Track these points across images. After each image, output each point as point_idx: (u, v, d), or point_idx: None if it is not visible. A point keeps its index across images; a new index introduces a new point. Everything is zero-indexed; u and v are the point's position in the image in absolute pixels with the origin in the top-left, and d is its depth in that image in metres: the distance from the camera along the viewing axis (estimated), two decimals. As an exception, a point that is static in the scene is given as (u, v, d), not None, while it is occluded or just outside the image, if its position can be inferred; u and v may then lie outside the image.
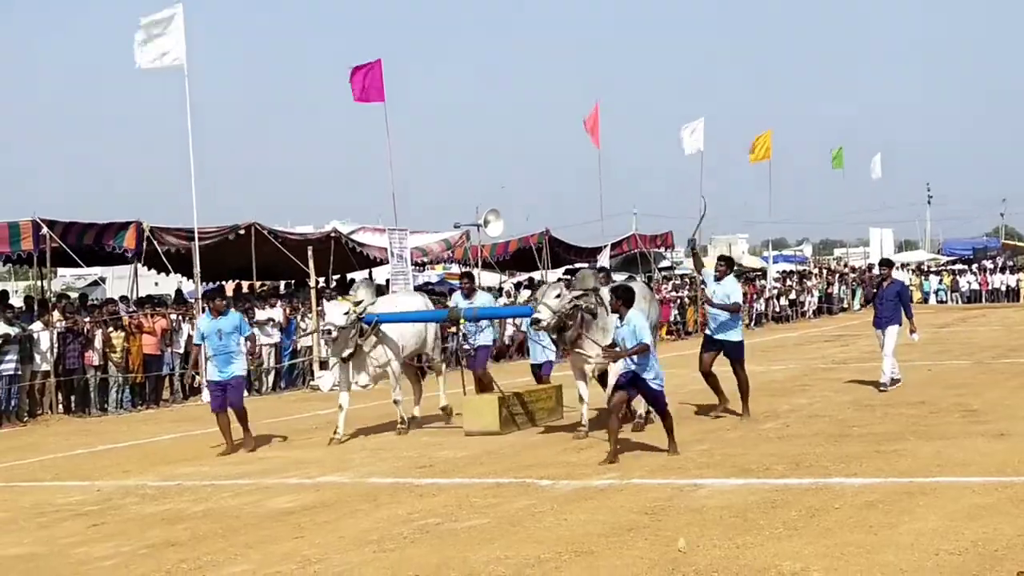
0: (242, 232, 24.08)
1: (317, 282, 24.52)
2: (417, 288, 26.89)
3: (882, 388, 16.61)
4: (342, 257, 27.09)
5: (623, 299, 11.89)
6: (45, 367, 19.96)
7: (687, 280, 39.26)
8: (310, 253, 24.24)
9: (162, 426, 17.99)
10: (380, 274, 30.61)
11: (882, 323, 16.95)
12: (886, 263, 18.32)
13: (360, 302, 14.87)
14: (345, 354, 14.60)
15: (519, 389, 15.41)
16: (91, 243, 22.33)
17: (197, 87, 23.83)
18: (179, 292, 29.55)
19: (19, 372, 19.19)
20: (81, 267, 26.62)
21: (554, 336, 13.89)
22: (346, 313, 14.37)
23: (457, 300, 16.27)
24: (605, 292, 13.79)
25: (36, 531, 9.81)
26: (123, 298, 24.17)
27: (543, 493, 10.11)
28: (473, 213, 30.56)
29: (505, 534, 8.55)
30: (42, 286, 23.90)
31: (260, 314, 23.14)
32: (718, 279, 14.71)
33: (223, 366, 14.12)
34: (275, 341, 23.68)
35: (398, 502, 10.01)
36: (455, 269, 38.13)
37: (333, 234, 27.30)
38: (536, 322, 13.40)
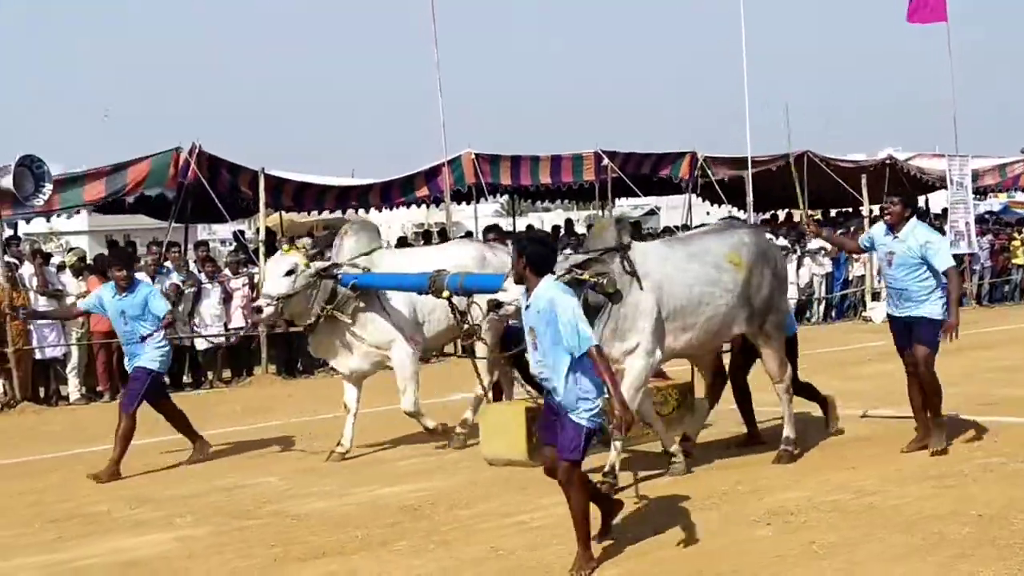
0: (793, 160, 23.88)
1: (871, 210, 23.83)
2: (979, 219, 25.29)
3: None
4: (895, 184, 26.10)
5: (531, 261, 6.49)
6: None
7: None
8: (863, 181, 23.62)
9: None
10: (937, 201, 29.22)
11: None
12: None
13: (318, 254, 10.95)
14: (304, 325, 10.49)
15: None
16: (647, 173, 23.22)
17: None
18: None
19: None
20: (638, 196, 27.79)
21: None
22: (289, 273, 10.10)
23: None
24: (644, 253, 8.73)
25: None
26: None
27: None
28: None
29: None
30: (603, 215, 25.06)
31: (812, 244, 22.83)
32: (891, 227, 9.31)
33: (130, 356, 10.41)
34: (827, 271, 23.34)
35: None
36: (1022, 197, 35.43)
37: (888, 160, 26.45)
38: (496, 306, 8.45)
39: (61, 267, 16.61)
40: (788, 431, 9.33)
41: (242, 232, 22.08)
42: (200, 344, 16.72)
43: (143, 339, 10.17)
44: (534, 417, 8.78)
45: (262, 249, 17.03)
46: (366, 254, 10.36)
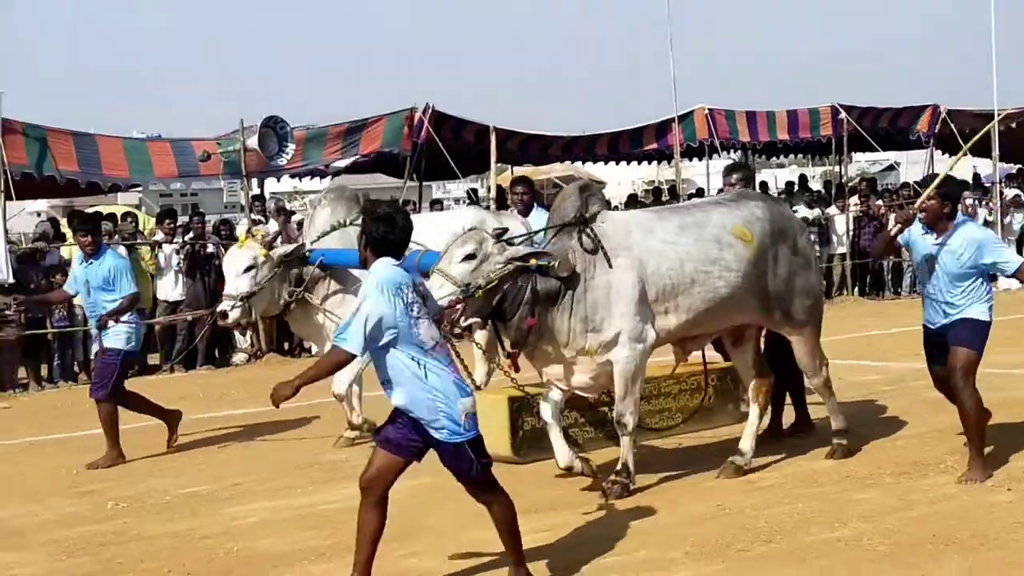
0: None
1: None
2: None
3: None
4: None
5: (369, 241, 5.56)
6: (841, 250, 20.54)
7: None
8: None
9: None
10: None
11: None
12: None
13: (276, 237, 9.80)
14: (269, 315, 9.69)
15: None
16: (886, 127, 22.40)
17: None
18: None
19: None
20: (877, 151, 26.81)
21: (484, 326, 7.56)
22: (249, 269, 9.10)
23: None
24: (613, 224, 7.51)
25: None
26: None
27: None
28: None
29: None
30: (839, 171, 24.38)
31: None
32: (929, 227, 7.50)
33: (95, 332, 9.62)
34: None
35: None
36: None
37: None
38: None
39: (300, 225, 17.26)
40: (837, 423, 8.20)
41: (475, 190, 22.46)
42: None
43: (102, 323, 9.25)
44: (520, 408, 8.22)
45: (492, 206, 17.27)
46: (343, 225, 9.22)
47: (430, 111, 17.87)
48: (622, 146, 21.19)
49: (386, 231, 5.44)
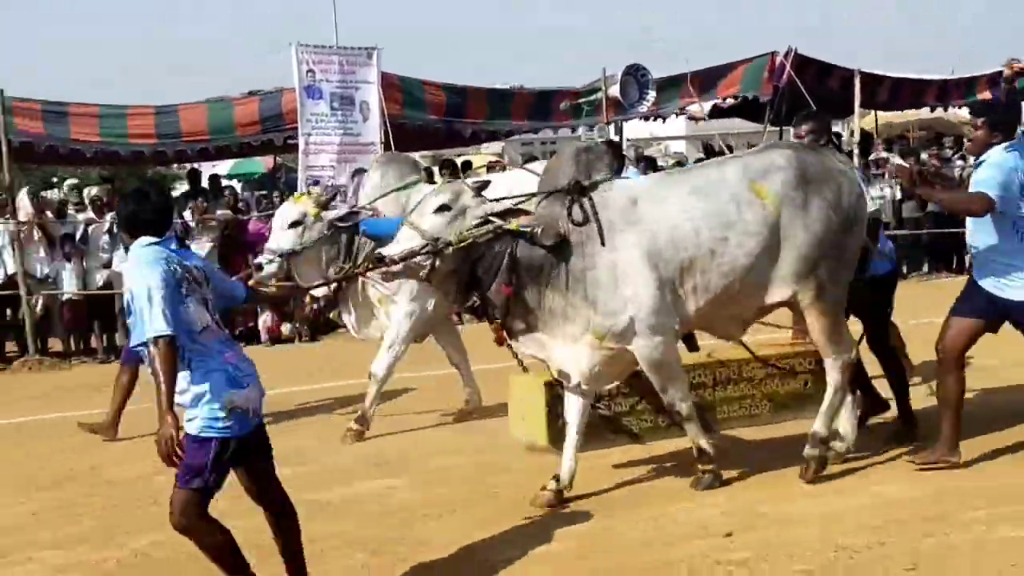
0: None
1: None
2: None
3: None
4: None
5: (122, 219, 5.17)
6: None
7: None
8: None
9: None
10: None
11: None
12: None
13: (333, 197, 8.80)
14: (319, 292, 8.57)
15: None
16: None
17: None
18: None
19: None
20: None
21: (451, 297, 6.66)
22: (295, 225, 8.41)
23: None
24: (618, 193, 6.43)
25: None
26: None
27: None
28: None
29: None
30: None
31: None
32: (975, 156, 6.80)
33: None
34: None
35: None
36: None
37: None
38: (379, 260, 6.31)
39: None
40: (818, 425, 6.75)
41: (838, 134, 21.76)
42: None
43: None
44: (559, 394, 6.99)
45: (855, 151, 16.71)
46: (397, 189, 8.46)
47: (792, 55, 17.45)
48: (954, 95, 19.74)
49: (136, 209, 4.95)
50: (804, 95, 17.13)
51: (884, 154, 19.15)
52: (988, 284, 6.48)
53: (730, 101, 18.42)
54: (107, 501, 7.30)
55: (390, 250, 6.22)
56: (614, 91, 15.76)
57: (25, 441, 9.09)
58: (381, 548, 5.96)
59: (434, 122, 15.99)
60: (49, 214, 14.64)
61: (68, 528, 6.73)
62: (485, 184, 6.53)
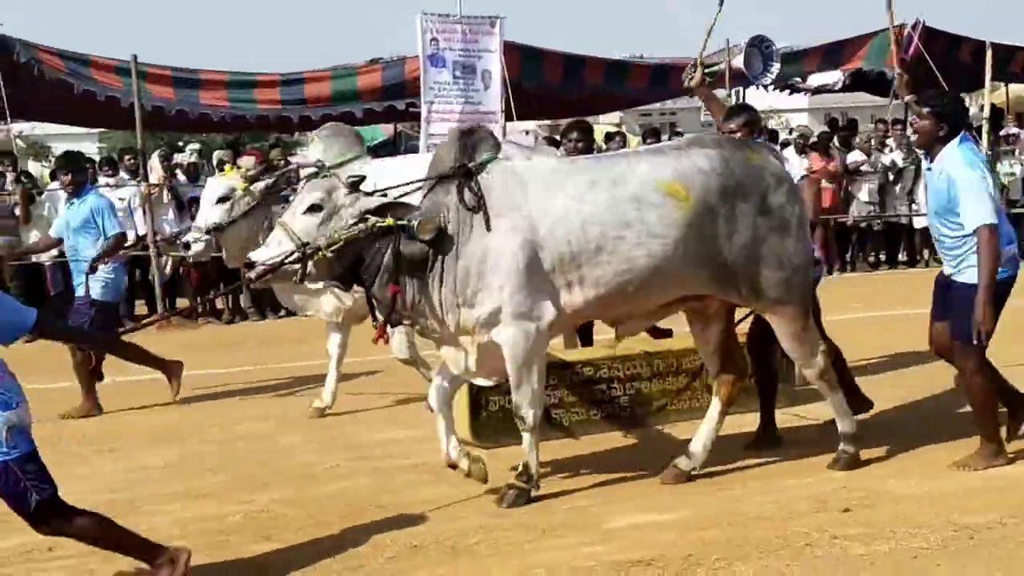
0: None
1: None
2: None
3: None
4: None
5: None
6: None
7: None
8: None
9: None
10: None
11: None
12: None
13: (260, 174, 8.33)
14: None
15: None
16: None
17: None
18: None
19: None
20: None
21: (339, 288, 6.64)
22: (223, 200, 8.08)
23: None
24: (504, 176, 6.05)
25: None
26: None
27: None
28: None
29: None
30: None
31: None
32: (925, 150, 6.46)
33: (75, 277, 9.05)
34: None
35: None
36: None
37: None
38: (248, 266, 6.13)
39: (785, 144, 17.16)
40: (843, 425, 6.54)
41: (962, 110, 21.27)
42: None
43: (92, 266, 8.78)
44: (483, 387, 6.75)
45: (986, 127, 16.32)
46: (338, 165, 7.78)
47: (920, 27, 17.09)
48: None
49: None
50: (932, 68, 16.80)
51: (1015, 129, 18.64)
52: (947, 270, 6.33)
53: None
54: (233, 457, 7.55)
55: (259, 255, 5.95)
56: (738, 62, 15.60)
57: (156, 397, 9.42)
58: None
59: (554, 84, 16.09)
60: (181, 176, 15.07)
61: (194, 482, 6.96)
62: (362, 179, 6.14)
